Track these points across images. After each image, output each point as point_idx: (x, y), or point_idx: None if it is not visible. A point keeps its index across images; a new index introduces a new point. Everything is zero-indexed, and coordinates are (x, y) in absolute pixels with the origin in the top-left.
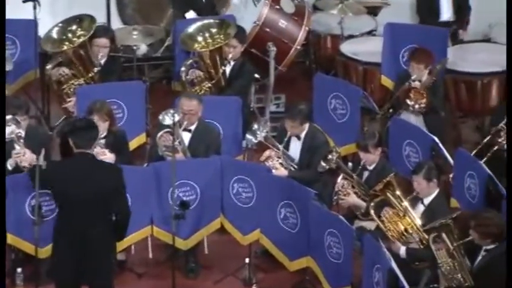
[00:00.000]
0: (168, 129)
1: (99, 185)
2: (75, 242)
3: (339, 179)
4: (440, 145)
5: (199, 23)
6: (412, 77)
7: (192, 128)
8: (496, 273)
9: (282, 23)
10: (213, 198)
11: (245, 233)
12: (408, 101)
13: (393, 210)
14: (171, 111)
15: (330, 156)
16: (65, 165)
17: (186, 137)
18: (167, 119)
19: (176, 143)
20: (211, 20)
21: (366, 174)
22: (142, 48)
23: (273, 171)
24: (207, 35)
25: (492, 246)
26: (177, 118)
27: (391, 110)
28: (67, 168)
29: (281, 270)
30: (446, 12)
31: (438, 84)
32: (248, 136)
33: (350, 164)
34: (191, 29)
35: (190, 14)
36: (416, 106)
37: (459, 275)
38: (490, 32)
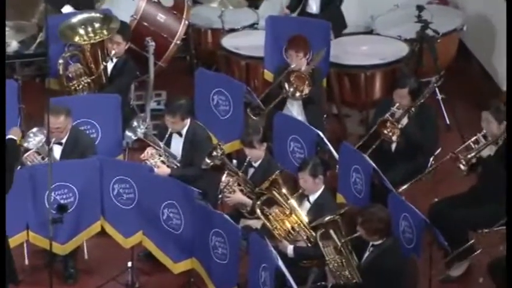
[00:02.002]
0: (35, 150)
1: None
2: None
3: (224, 177)
4: (325, 140)
5: (80, 16)
6: (292, 66)
7: (63, 140)
8: (383, 268)
9: (161, 17)
10: (92, 200)
11: (127, 235)
12: (288, 86)
13: (279, 208)
14: (34, 130)
15: (214, 153)
16: None
17: (58, 149)
18: (31, 142)
19: (45, 161)
20: (94, 14)
21: (251, 171)
22: (13, 45)
23: (155, 169)
24: (89, 29)
25: (379, 241)
26: (41, 137)
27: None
28: None
29: (165, 272)
30: (312, 4)
31: (317, 75)
32: (127, 133)
33: (235, 161)
34: (75, 19)
35: (67, 9)
36: (297, 94)
37: (347, 272)
38: (372, 23)
